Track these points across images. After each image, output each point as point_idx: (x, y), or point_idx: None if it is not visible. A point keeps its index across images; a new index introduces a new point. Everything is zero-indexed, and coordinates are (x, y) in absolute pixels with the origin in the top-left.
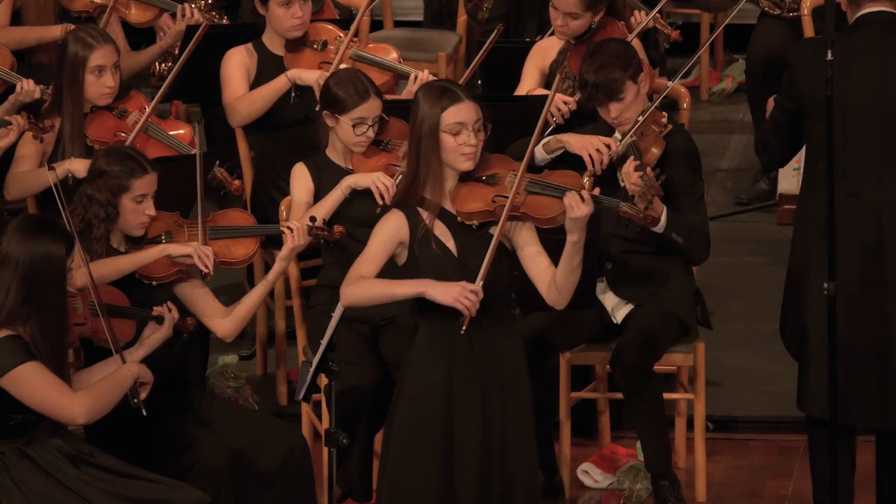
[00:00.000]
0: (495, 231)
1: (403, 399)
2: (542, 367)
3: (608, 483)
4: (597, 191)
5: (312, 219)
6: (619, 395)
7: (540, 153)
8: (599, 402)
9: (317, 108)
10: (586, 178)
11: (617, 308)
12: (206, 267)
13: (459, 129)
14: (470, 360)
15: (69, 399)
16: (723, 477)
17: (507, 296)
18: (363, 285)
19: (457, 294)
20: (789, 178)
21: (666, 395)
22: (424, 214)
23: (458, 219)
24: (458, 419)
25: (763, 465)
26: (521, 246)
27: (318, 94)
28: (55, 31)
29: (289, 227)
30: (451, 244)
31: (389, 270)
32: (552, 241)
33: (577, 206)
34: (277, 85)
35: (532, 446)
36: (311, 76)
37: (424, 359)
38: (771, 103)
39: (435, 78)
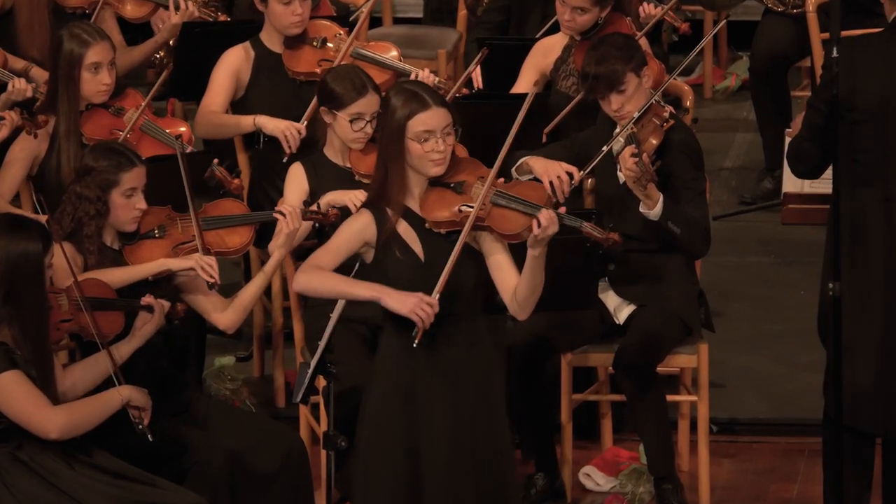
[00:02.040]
0: (480, 243)
1: (369, 405)
2: (543, 368)
3: (610, 486)
4: (562, 210)
5: (306, 202)
6: (622, 397)
7: (514, 176)
8: (601, 404)
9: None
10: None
11: (619, 308)
12: (212, 277)
13: (427, 136)
14: (434, 362)
15: (44, 413)
16: (726, 480)
17: (474, 298)
18: (321, 276)
19: (412, 305)
20: (794, 178)
21: (669, 397)
22: (390, 215)
23: (426, 225)
24: (422, 423)
25: (767, 468)
26: (488, 253)
27: (284, 145)
28: (18, 64)
29: (281, 212)
30: (417, 248)
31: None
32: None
33: (543, 226)
34: (243, 124)
35: (509, 448)
36: (278, 126)
37: (388, 362)
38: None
39: (435, 76)
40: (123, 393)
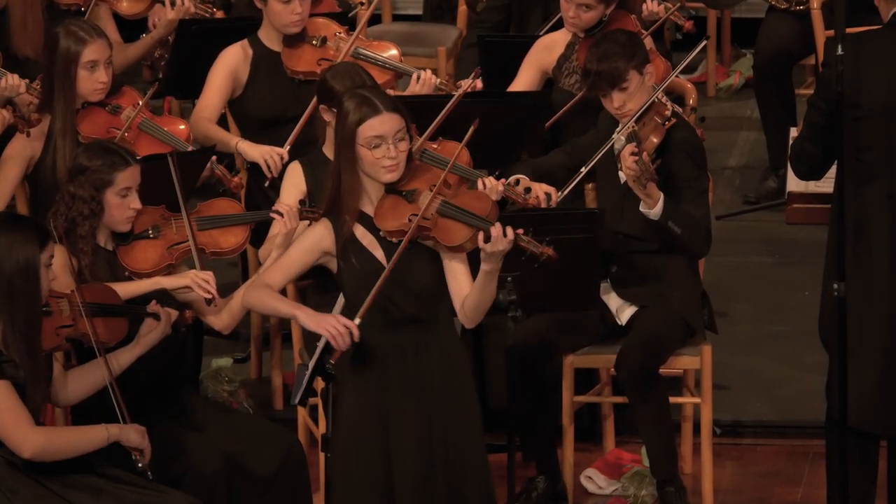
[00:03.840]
0: (436, 248)
1: (341, 413)
2: (544, 370)
3: (612, 489)
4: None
5: (302, 201)
6: (624, 399)
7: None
8: (603, 405)
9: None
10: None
11: (621, 309)
12: (209, 293)
13: (378, 142)
14: (404, 371)
15: (22, 431)
16: (730, 483)
17: (442, 305)
18: (260, 294)
19: (326, 325)
20: None
21: (672, 399)
22: (346, 222)
23: (381, 233)
24: (393, 431)
25: (771, 470)
26: (444, 259)
27: (265, 170)
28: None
29: (278, 212)
30: (379, 253)
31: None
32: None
33: (491, 241)
34: (230, 143)
35: (482, 457)
36: (259, 151)
37: (359, 371)
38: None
39: (437, 78)
40: (111, 432)
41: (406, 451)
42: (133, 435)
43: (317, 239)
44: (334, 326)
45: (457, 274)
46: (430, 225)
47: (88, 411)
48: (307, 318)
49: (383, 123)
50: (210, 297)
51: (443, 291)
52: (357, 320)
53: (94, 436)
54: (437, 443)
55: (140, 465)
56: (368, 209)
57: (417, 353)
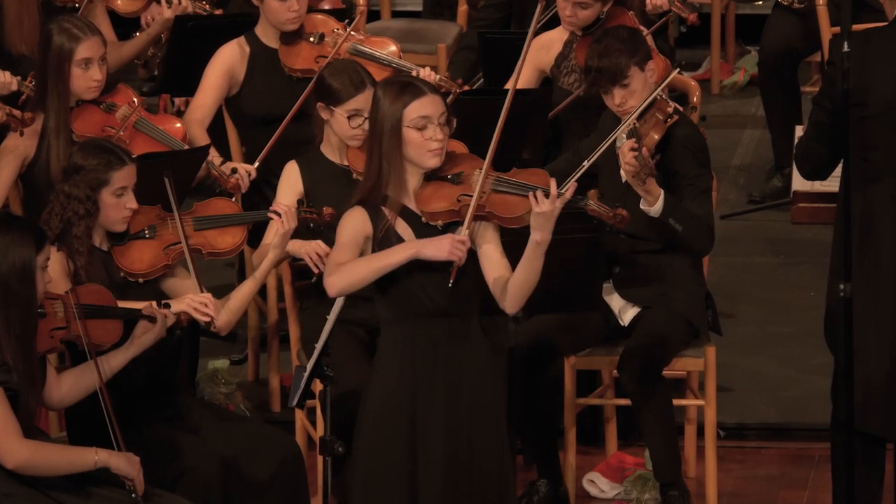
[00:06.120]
0: (462, 230)
1: (368, 408)
2: (546, 371)
3: (615, 493)
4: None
5: (300, 201)
6: (627, 402)
7: None
8: (606, 408)
9: None
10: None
11: (624, 310)
12: (207, 315)
13: (425, 123)
14: (433, 365)
15: (8, 441)
16: (734, 486)
17: (472, 299)
18: (350, 268)
19: (449, 247)
20: None
21: (675, 401)
22: (387, 213)
23: (423, 219)
24: (420, 426)
25: (776, 474)
26: (481, 244)
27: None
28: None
29: (276, 212)
30: None
31: None
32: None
33: (543, 201)
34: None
35: (504, 454)
36: (240, 166)
37: (386, 366)
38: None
39: (436, 74)
40: (100, 457)
41: (432, 450)
42: (122, 463)
43: (359, 225)
44: (458, 248)
45: (493, 257)
46: (483, 202)
47: (82, 414)
48: (429, 249)
49: (428, 104)
50: (208, 320)
51: (476, 288)
52: (465, 232)
53: (81, 459)
54: (463, 437)
55: (133, 495)
56: (406, 200)
57: (448, 346)
